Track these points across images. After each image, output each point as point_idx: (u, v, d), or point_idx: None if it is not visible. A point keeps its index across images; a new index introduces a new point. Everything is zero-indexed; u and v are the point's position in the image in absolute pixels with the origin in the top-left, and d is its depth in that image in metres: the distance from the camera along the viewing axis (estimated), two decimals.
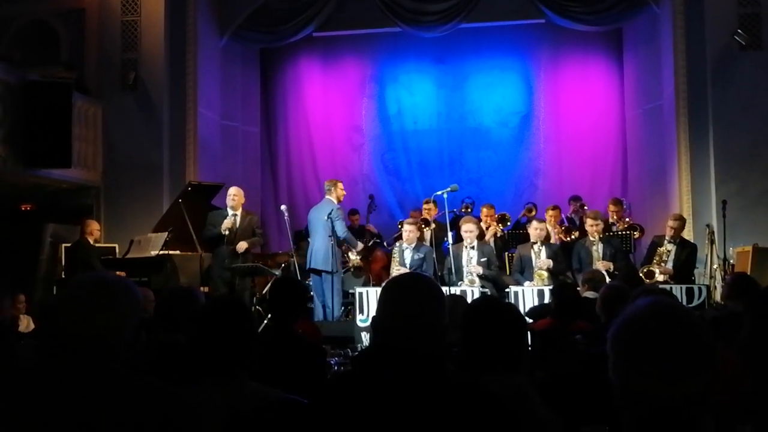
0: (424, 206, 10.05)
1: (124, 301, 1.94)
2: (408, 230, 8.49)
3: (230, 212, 8.65)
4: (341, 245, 8.77)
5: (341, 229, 8.51)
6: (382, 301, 2.02)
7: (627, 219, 9.84)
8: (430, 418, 1.77)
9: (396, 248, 8.67)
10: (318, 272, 8.56)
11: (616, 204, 9.96)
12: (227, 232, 8.49)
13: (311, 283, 8.83)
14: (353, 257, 9.30)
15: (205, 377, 2.46)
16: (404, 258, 8.44)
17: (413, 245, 8.47)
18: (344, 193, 8.99)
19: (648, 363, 1.52)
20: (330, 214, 8.38)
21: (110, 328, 1.90)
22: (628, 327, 1.59)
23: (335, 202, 8.68)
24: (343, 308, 8.79)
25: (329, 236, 8.33)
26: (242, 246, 8.52)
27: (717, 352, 1.58)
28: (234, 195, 8.74)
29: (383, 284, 2.17)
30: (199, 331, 2.56)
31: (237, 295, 8.38)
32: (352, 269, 9.77)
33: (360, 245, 9.23)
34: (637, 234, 9.35)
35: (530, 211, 10.55)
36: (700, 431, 1.53)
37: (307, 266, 8.71)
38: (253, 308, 8.13)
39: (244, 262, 8.51)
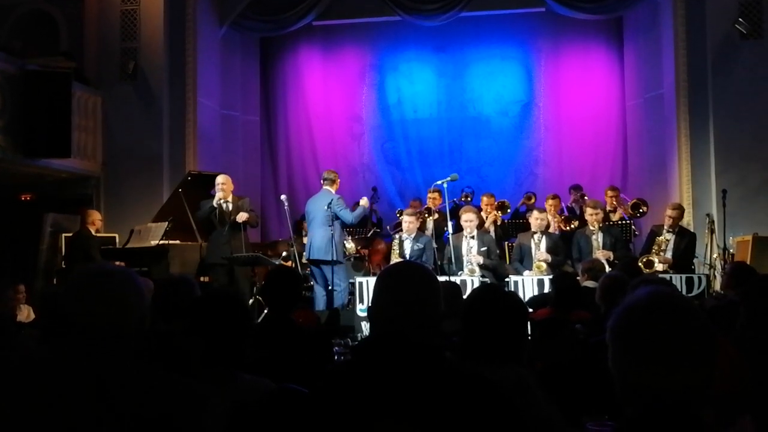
0: (429, 195, 9.98)
1: (129, 290, 1.97)
2: (408, 221, 8.47)
3: (221, 200, 8.37)
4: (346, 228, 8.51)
5: (348, 217, 8.40)
6: (376, 291, 2.02)
7: (625, 201, 9.82)
8: (430, 407, 1.77)
9: (396, 239, 8.67)
10: (317, 263, 8.50)
11: (614, 189, 9.97)
12: (218, 205, 8.28)
13: (310, 273, 8.80)
14: (348, 246, 9.21)
15: (202, 369, 2.46)
16: (404, 249, 8.43)
17: (413, 236, 8.46)
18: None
19: (647, 353, 1.52)
20: (330, 204, 8.33)
21: (117, 317, 1.92)
22: (627, 317, 1.59)
23: (333, 191, 8.62)
24: (350, 297, 8.73)
25: (329, 226, 8.27)
26: (242, 216, 8.26)
27: (716, 342, 1.58)
28: (222, 183, 8.38)
29: (378, 273, 2.16)
30: (193, 324, 2.56)
31: (237, 284, 8.35)
32: (351, 259, 9.73)
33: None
34: (645, 208, 9.37)
35: (529, 199, 10.55)
36: (700, 422, 1.53)
37: (306, 257, 8.63)
38: (253, 298, 8.12)
39: (242, 251, 8.38)
